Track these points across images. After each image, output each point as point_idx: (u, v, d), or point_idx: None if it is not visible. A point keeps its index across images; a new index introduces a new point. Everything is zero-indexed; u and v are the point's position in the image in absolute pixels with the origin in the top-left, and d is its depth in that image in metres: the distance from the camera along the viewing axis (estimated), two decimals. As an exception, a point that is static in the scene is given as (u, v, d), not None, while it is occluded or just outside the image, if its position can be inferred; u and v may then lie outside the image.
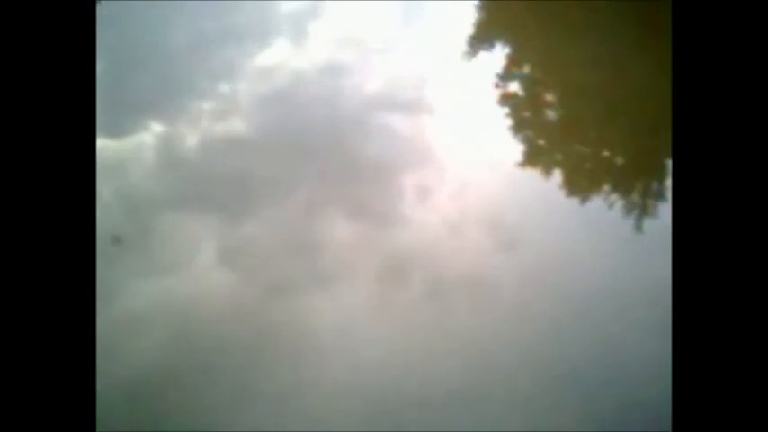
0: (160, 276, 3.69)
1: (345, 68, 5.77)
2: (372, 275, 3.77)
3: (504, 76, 5.83)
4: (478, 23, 6.57)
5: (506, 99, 5.55)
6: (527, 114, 5.48)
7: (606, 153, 5.00)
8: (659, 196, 4.29)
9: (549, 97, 5.77)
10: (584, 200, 4.34)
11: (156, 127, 5.03)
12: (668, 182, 4.39)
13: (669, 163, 4.64)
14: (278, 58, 5.95)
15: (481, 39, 6.28)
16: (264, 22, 6.48)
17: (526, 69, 6.09)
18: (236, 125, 5.06)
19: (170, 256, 3.84)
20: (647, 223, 4.07)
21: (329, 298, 3.60)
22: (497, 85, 5.67)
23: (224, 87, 5.50)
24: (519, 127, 5.22)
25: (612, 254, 3.81)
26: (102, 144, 4.58)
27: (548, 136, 5.22)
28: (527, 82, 5.92)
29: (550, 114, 5.54)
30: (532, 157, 4.84)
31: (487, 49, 6.19)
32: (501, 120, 5.20)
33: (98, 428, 2.17)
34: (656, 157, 4.73)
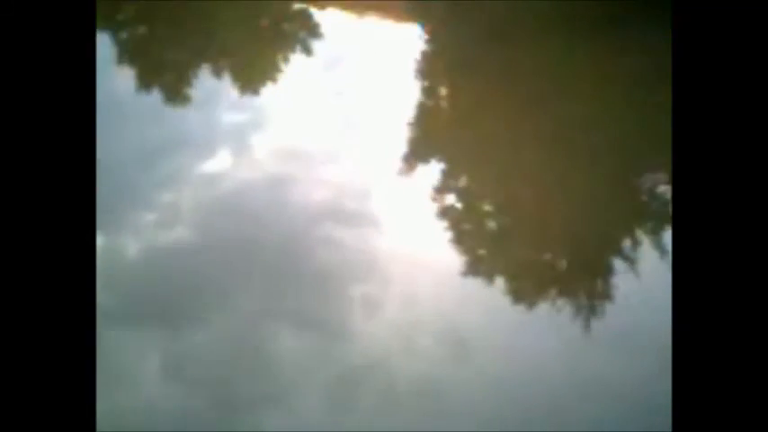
0: (102, 393, 3.55)
1: (289, 179, 5.88)
2: (323, 389, 3.73)
3: (441, 189, 6.03)
4: (415, 138, 6.85)
5: (445, 212, 5.72)
6: (467, 226, 5.66)
7: (548, 257, 5.20)
8: (605, 296, 4.46)
9: (487, 207, 6.01)
10: (531, 305, 4.46)
11: (98, 241, 4.97)
12: (612, 280, 4.61)
13: (614, 262, 4.89)
14: (223, 168, 6.03)
15: (417, 154, 6.52)
16: (209, 132, 6.59)
17: (462, 182, 6.32)
18: (180, 235, 5.04)
19: (113, 372, 3.70)
20: (595, 323, 4.22)
21: (279, 414, 3.53)
22: (434, 199, 5.84)
23: (168, 197, 5.51)
24: (459, 238, 5.37)
25: (561, 355, 3.91)
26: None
27: (488, 245, 5.39)
28: (464, 194, 6.14)
29: (490, 224, 5.75)
30: (474, 267, 4.97)
31: (424, 163, 6.42)
32: (443, 230, 5.36)
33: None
34: (601, 257, 4.96)
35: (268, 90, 7.61)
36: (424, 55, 9.09)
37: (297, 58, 8.69)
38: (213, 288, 4.48)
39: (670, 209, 5.58)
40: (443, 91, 8.32)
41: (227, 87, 7.61)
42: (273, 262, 4.76)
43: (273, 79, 7.93)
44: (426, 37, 9.83)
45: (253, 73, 7.94)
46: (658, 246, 5.05)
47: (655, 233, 5.23)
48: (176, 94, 7.17)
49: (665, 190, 5.93)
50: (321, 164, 6.16)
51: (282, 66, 8.39)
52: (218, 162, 6.10)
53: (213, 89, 7.51)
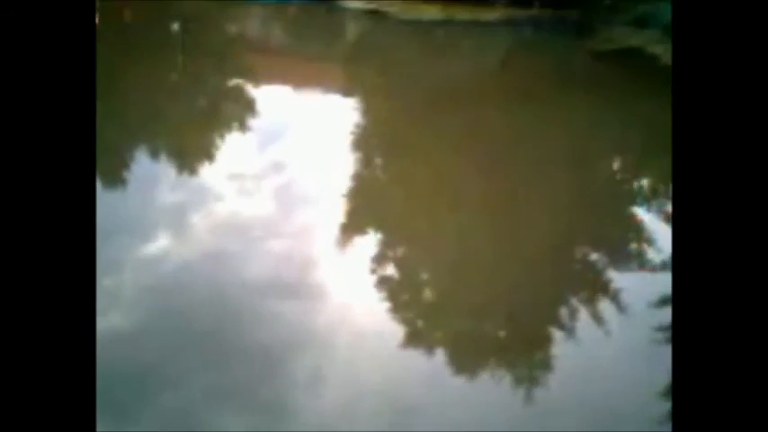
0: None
1: (230, 255, 5.94)
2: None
3: (380, 260, 6.16)
4: (353, 209, 7.00)
5: (384, 282, 5.84)
6: (405, 296, 5.79)
7: (488, 326, 5.35)
8: (545, 366, 4.61)
9: (426, 276, 6.16)
10: (471, 376, 4.58)
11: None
12: (553, 351, 4.77)
13: (555, 333, 5.06)
14: (162, 249, 6.04)
15: (356, 225, 6.67)
16: (148, 214, 6.60)
17: (400, 252, 6.47)
18: (119, 321, 5.01)
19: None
20: (537, 393, 4.35)
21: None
22: (373, 270, 5.96)
23: (107, 282, 5.48)
24: (398, 309, 5.49)
25: (502, 426, 4.02)
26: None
27: (427, 315, 5.52)
28: (402, 264, 6.27)
29: (428, 294, 5.90)
30: (414, 338, 5.08)
31: (362, 234, 6.56)
32: (382, 301, 5.48)
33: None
34: (540, 327, 5.13)
35: (206, 168, 7.69)
36: (361, 125, 9.38)
37: (234, 135, 8.85)
38: (153, 373, 4.45)
39: (604, 278, 5.87)
40: (380, 161, 8.55)
41: (165, 168, 7.67)
42: (214, 341, 4.77)
43: (211, 157, 8.02)
44: (364, 106, 10.16)
45: (190, 152, 8.00)
46: (595, 314, 5.29)
47: (591, 302, 5.48)
48: (113, 177, 7.18)
49: (598, 258, 6.22)
50: (261, 238, 6.26)
51: (220, 143, 8.50)
52: (158, 243, 6.12)
53: (151, 170, 7.55)
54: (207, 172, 7.59)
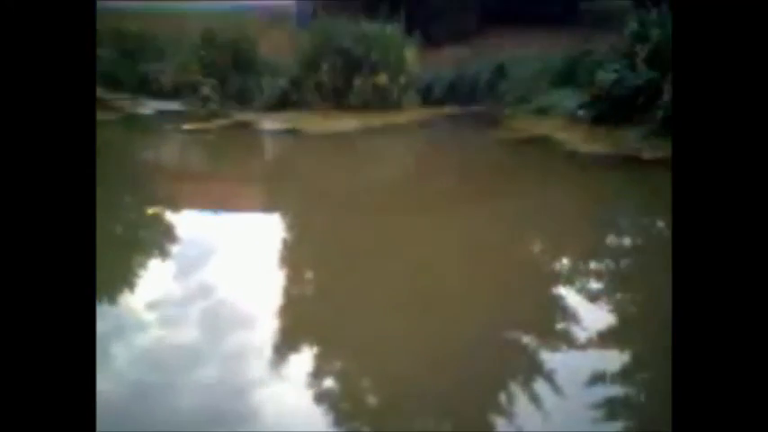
0: None
1: (156, 387, 5.81)
2: None
3: (317, 374, 6.17)
4: (285, 327, 7.03)
5: (322, 396, 5.84)
6: (346, 406, 5.80)
7: (430, 425, 5.38)
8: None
9: (366, 384, 6.19)
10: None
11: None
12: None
13: (497, 420, 5.15)
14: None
15: (288, 344, 6.68)
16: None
17: (338, 364, 6.50)
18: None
19: None
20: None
21: None
22: (311, 385, 5.96)
23: None
24: (340, 420, 5.49)
25: None
26: None
27: (370, 422, 5.54)
28: (340, 375, 6.30)
29: (370, 401, 5.91)
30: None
31: (297, 353, 6.57)
32: (323, 414, 5.47)
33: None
34: (483, 418, 5.20)
35: (125, 298, 7.58)
36: (286, 241, 9.52)
37: (154, 262, 8.81)
38: None
39: (537, 359, 6.04)
40: (309, 274, 8.66)
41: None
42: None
43: (131, 285, 7.93)
44: (287, 222, 10.34)
45: (108, 282, 7.77)
46: (532, 396, 5.42)
47: (527, 384, 5.62)
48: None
49: (529, 341, 6.40)
50: (188, 367, 6.12)
51: (139, 271, 8.42)
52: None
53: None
54: (126, 301, 7.47)
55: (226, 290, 7.73)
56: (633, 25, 13.10)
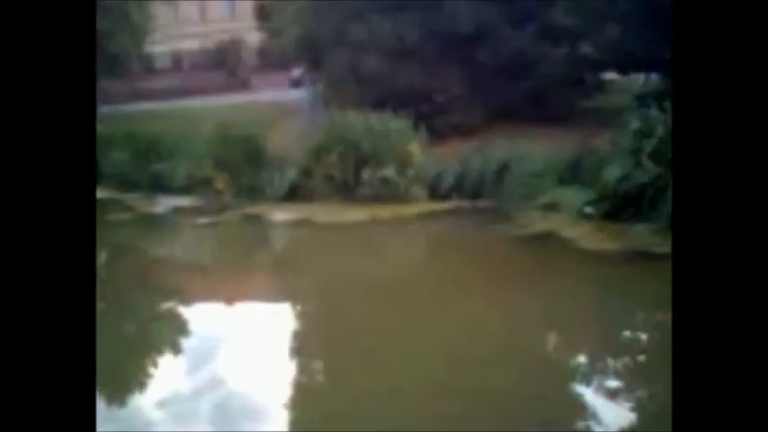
0: None
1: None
2: None
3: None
4: (294, 419, 6.94)
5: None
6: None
7: None
8: None
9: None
10: None
11: None
12: None
13: None
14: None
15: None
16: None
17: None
18: None
19: None
20: None
21: None
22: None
23: None
24: None
25: None
26: None
27: None
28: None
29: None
30: None
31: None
32: None
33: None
34: None
35: (137, 398, 7.50)
36: (296, 331, 9.50)
37: (166, 358, 8.76)
38: None
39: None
40: (319, 365, 8.60)
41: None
42: None
43: (142, 385, 7.86)
44: (297, 312, 10.33)
45: (120, 382, 7.78)
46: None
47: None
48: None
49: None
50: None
51: (151, 369, 8.36)
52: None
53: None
54: (138, 401, 7.40)
55: (236, 381, 7.68)
56: (636, 122, 13.44)
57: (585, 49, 19.95)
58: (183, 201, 16.82)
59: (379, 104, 17.59)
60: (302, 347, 8.85)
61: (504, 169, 16.41)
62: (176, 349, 8.87)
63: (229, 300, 10.82)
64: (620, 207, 12.78)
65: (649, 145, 12.68)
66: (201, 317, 10.25)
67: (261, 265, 13.53)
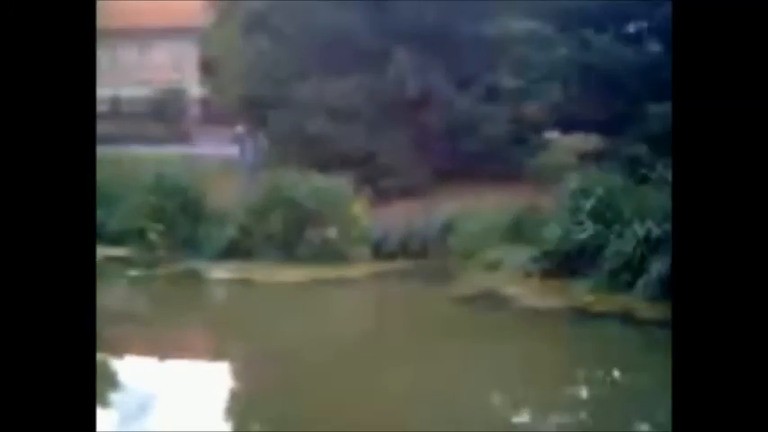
0: None
1: None
2: None
3: None
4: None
5: None
6: None
7: None
8: None
9: None
10: None
11: None
12: None
13: None
14: None
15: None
16: None
17: None
18: None
19: None
20: None
21: None
22: None
23: None
24: None
25: None
26: None
27: None
28: None
29: None
30: None
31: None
32: None
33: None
34: None
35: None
36: (233, 392, 9.35)
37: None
38: None
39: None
40: (256, 427, 8.47)
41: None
42: None
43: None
44: (233, 373, 10.17)
45: None
46: None
47: None
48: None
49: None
50: None
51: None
52: None
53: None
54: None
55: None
56: (576, 181, 13.92)
57: (529, 109, 20.63)
58: (117, 251, 16.44)
59: (324, 165, 17.76)
60: (238, 408, 8.69)
61: (448, 229, 16.68)
62: (104, 402, 8.62)
63: (163, 355, 10.60)
64: (560, 264, 13.10)
65: (588, 204, 13.11)
66: (133, 371, 10.00)
67: (196, 322, 13.33)
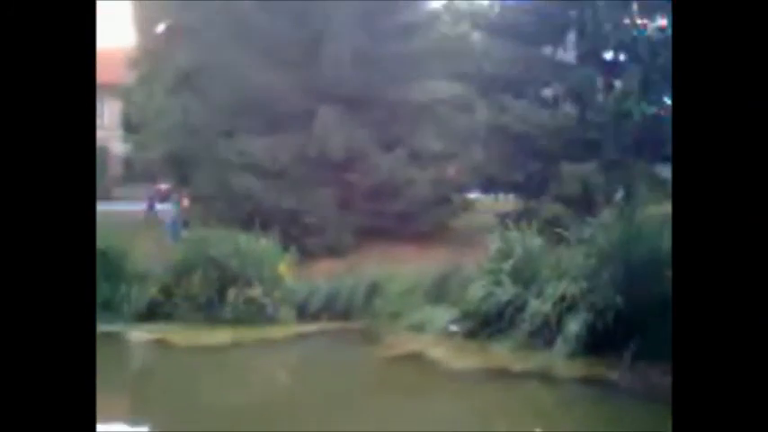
0: None
1: None
2: None
3: None
4: None
5: None
6: None
7: None
8: None
9: None
10: None
11: None
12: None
13: None
14: None
15: None
16: None
17: None
18: None
19: None
20: None
21: None
22: None
23: None
24: None
25: None
26: None
27: None
28: None
29: None
30: None
31: None
32: None
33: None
34: None
35: None
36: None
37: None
38: None
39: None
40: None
41: None
42: None
43: None
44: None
45: None
46: None
47: None
48: None
49: None
50: None
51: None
52: None
53: None
54: None
55: None
56: (497, 242, 14.45)
57: (451, 170, 21.39)
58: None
59: (248, 224, 17.87)
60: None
61: (373, 289, 16.91)
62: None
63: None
64: (481, 325, 13.48)
65: (508, 264, 13.63)
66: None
67: (114, 386, 13.05)
